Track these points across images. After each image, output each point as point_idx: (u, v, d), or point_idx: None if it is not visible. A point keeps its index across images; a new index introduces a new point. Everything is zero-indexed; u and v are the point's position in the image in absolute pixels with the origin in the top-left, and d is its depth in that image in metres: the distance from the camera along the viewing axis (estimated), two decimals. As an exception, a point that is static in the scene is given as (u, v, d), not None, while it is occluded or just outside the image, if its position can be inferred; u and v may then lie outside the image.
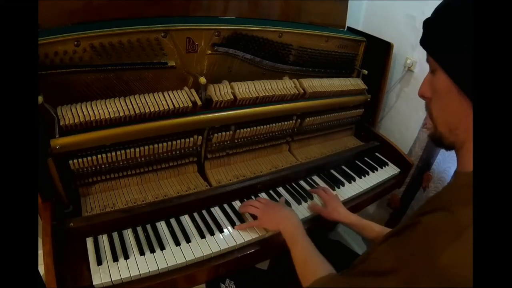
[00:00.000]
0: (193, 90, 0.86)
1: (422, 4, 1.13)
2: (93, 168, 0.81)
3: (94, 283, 0.66)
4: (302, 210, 0.95)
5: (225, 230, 0.84)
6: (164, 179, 0.95)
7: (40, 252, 0.63)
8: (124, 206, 0.83)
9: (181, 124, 0.84)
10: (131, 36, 0.77)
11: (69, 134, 0.72)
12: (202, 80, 0.84)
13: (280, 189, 1.02)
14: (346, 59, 1.23)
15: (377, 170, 1.20)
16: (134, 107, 0.77)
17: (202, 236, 0.81)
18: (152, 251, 0.75)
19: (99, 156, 0.79)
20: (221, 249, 0.78)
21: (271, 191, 1.01)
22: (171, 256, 0.75)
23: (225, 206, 0.92)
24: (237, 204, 0.93)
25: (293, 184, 1.05)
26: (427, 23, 0.52)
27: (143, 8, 0.83)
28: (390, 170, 1.21)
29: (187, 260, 0.75)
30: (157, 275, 0.72)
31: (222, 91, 0.90)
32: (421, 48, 0.54)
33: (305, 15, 1.13)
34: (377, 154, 1.29)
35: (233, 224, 0.86)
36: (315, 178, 1.11)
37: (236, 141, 1.01)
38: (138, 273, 0.70)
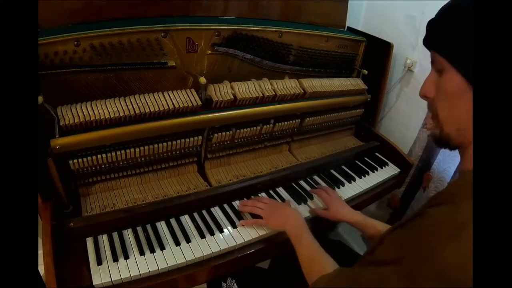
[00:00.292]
0: (193, 90, 0.86)
1: (422, 4, 1.13)
2: (93, 168, 0.81)
3: (94, 283, 0.66)
4: (302, 210, 0.95)
5: (225, 230, 0.84)
6: (164, 179, 0.95)
7: (40, 252, 0.63)
8: (124, 206, 0.83)
9: (181, 124, 0.84)
10: (131, 36, 0.77)
11: (69, 134, 0.72)
12: (202, 80, 0.84)
13: (280, 189, 1.02)
14: (346, 59, 1.23)
15: (377, 170, 1.20)
16: (134, 107, 0.77)
17: (202, 236, 0.81)
18: (152, 251, 0.75)
19: (99, 156, 0.79)
20: (221, 249, 0.78)
21: (271, 191, 1.01)
22: (171, 256, 0.75)
23: (225, 206, 0.92)
24: (237, 204, 0.93)
25: (293, 184, 1.05)
26: (434, 24, 0.51)
27: (143, 8, 0.83)
28: (390, 170, 1.21)
29: (187, 260, 0.75)
30: (157, 275, 0.72)
31: (222, 91, 0.90)
32: (421, 48, 0.53)
33: (305, 15, 1.13)
34: (377, 154, 1.29)
35: (233, 224, 0.86)
36: (315, 178, 1.11)
37: (236, 141, 1.01)
38: (138, 273, 0.70)
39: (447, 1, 0.50)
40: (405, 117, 1.35)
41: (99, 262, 0.70)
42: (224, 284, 0.89)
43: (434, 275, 0.40)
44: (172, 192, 0.91)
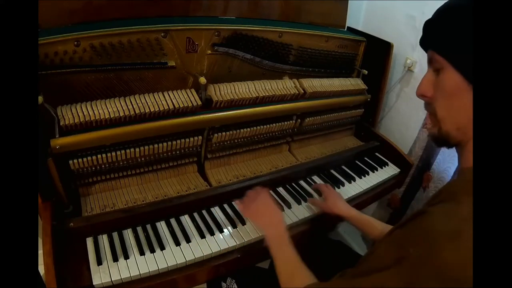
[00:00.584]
0: (193, 90, 0.86)
1: (422, 4, 1.13)
2: (93, 168, 0.81)
3: (94, 283, 0.66)
4: (302, 210, 0.95)
5: (225, 230, 0.84)
6: (164, 179, 0.95)
7: (40, 252, 0.63)
8: (124, 206, 0.83)
9: (181, 124, 0.84)
10: (131, 36, 0.77)
11: (69, 134, 0.72)
12: (202, 80, 0.84)
13: (280, 189, 1.02)
14: (346, 59, 1.23)
15: (377, 170, 1.20)
16: (134, 107, 0.77)
17: (202, 236, 0.81)
18: (152, 251, 0.75)
19: (99, 156, 0.79)
20: (221, 249, 0.78)
21: (271, 191, 1.00)
22: (171, 256, 0.75)
23: (225, 206, 0.92)
24: (237, 204, 0.93)
25: (293, 184, 1.05)
26: (432, 24, 0.51)
27: (143, 8, 0.83)
28: (390, 170, 1.21)
29: (187, 260, 0.75)
30: (157, 275, 0.72)
31: (222, 91, 0.90)
32: (421, 48, 0.53)
33: (305, 15, 1.13)
34: (377, 154, 1.29)
35: (233, 224, 0.86)
36: (315, 178, 1.11)
37: (236, 141, 1.01)
38: (138, 273, 0.70)
39: (445, 1, 0.50)
40: (405, 117, 1.35)
41: (99, 262, 0.70)
42: (224, 284, 0.89)
43: (434, 275, 0.40)
44: (172, 192, 0.91)
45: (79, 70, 0.74)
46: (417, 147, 1.28)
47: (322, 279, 0.60)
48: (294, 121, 1.08)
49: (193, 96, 0.85)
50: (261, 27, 0.96)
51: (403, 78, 1.32)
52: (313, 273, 0.65)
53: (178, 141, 0.88)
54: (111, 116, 0.75)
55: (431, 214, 0.44)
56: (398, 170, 1.22)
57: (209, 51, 0.90)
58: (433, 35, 0.51)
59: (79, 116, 0.72)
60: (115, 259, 0.71)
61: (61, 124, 0.70)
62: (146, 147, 0.84)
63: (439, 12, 0.51)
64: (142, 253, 0.74)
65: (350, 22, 1.28)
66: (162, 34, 0.81)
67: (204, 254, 0.77)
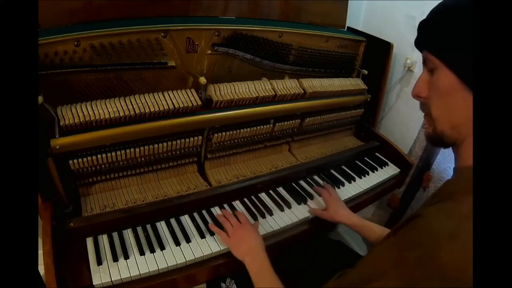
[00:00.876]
0: (193, 90, 0.86)
1: (422, 4, 1.13)
2: (93, 168, 0.81)
3: (94, 283, 0.66)
4: (302, 210, 0.95)
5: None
6: (164, 179, 0.95)
7: (40, 252, 0.63)
8: (124, 206, 0.83)
9: (181, 124, 0.84)
10: (131, 36, 0.77)
11: (69, 134, 0.72)
12: (202, 80, 0.84)
13: (280, 189, 1.02)
14: (346, 59, 1.23)
15: (377, 170, 1.20)
16: (134, 107, 0.77)
17: (202, 236, 0.81)
18: (152, 251, 0.75)
19: (99, 156, 0.79)
20: (221, 249, 0.78)
21: (271, 191, 1.01)
22: (171, 256, 0.75)
23: (225, 206, 0.92)
24: (237, 204, 0.94)
25: (293, 184, 1.05)
26: (425, 24, 0.52)
27: (143, 8, 0.83)
28: (390, 170, 1.21)
29: (187, 260, 0.75)
30: (157, 275, 0.72)
31: (222, 91, 0.90)
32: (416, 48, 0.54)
33: (305, 15, 1.13)
34: (377, 154, 1.29)
35: (233, 224, 0.86)
36: (315, 178, 1.11)
37: (236, 141, 1.01)
38: (138, 273, 0.70)
39: (440, 2, 0.51)
40: (405, 117, 1.35)
41: (99, 262, 0.70)
42: (223, 285, 0.89)
43: (434, 276, 0.39)
44: (172, 192, 0.91)
45: (79, 70, 0.74)
46: (417, 147, 1.28)
47: (321, 279, 0.60)
48: (294, 121, 1.08)
49: (193, 96, 0.85)
50: (261, 27, 0.96)
51: (403, 78, 1.32)
52: (313, 273, 0.65)
53: (178, 141, 0.88)
54: (111, 116, 0.75)
55: (427, 216, 0.44)
56: (398, 170, 1.22)
57: (209, 51, 0.90)
58: (427, 35, 0.52)
59: (79, 116, 0.72)
60: (115, 259, 0.71)
61: (61, 124, 0.70)
62: (146, 147, 0.84)
63: (433, 13, 0.51)
64: (142, 253, 0.74)
65: (350, 22, 1.28)
66: (162, 34, 0.81)
67: (204, 254, 0.77)
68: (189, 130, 0.88)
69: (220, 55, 0.92)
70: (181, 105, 0.82)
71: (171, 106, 0.81)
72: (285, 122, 1.06)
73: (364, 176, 1.15)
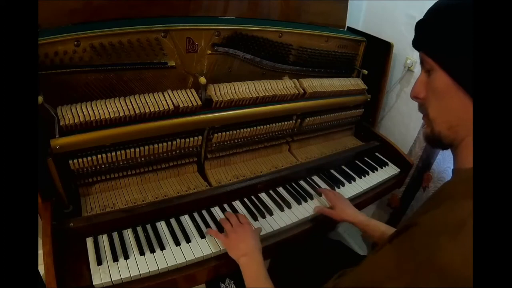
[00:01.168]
0: (193, 90, 0.86)
1: (422, 4, 1.13)
2: (93, 168, 0.81)
3: (94, 283, 0.66)
4: (302, 210, 0.95)
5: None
6: (164, 179, 0.95)
7: (40, 252, 0.63)
8: (124, 206, 0.83)
9: (181, 124, 0.84)
10: (131, 36, 0.77)
11: (69, 134, 0.72)
12: (202, 80, 0.84)
13: (280, 189, 1.02)
14: (346, 59, 1.23)
15: (377, 170, 1.20)
16: (134, 107, 0.77)
17: (202, 236, 0.81)
18: (152, 251, 0.75)
19: (99, 156, 0.79)
20: (221, 249, 0.78)
21: (271, 191, 1.01)
22: (171, 256, 0.75)
23: (225, 206, 0.92)
24: (237, 204, 0.94)
25: (293, 184, 1.05)
26: (421, 24, 0.52)
27: (143, 8, 0.83)
28: (390, 170, 1.21)
29: (187, 260, 0.75)
30: (157, 275, 0.72)
31: (222, 91, 0.90)
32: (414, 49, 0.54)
33: (305, 15, 1.13)
34: (377, 154, 1.29)
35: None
36: (315, 178, 1.11)
37: (236, 141, 1.01)
38: (138, 273, 0.70)
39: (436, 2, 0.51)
40: (405, 117, 1.35)
41: (99, 262, 0.70)
42: (222, 285, 0.89)
43: (435, 281, 0.39)
44: (172, 192, 0.91)
45: (79, 70, 0.74)
46: (417, 147, 1.28)
47: (321, 279, 0.60)
48: (294, 121, 1.08)
49: (193, 96, 0.85)
50: (261, 27, 0.96)
51: (403, 78, 1.32)
52: (312, 273, 0.65)
53: (178, 141, 0.88)
54: (111, 116, 0.75)
55: (424, 225, 0.44)
56: (398, 170, 1.22)
57: (209, 51, 0.90)
58: (422, 36, 0.52)
59: (79, 116, 0.72)
60: (115, 259, 0.71)
61: (61, 124, 0.70)
62: (146, 147, 0.84)
63: (428, 13, 0.51)
64: (142, 253, 0.74)
65: (350, 22, 1.28)
66: (162, 34, 0.81)
67: (204, 254, 0.77)
68: (189, 130, 0.88)
69: (220, 55, 0.92)
70: (181, 105, 0.82)
71: (171, 106, 0.81)
72: (285, 122, 1.06)
73: (364, 176, 1.15)
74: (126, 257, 0.72)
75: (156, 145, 0.85)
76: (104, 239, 0.76)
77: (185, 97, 0.84)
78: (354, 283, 0.49)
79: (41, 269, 0.60)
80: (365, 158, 1.25)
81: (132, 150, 0.82)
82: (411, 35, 0.54)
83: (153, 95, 0.81)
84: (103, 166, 0.82)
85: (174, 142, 0.87)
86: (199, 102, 0.84)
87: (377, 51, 1.22)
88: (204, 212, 0.88)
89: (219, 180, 0.99)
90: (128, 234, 0.78)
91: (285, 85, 1.02)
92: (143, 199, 0.86)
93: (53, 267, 0.62)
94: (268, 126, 1.02)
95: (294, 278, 0.85)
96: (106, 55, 0.76)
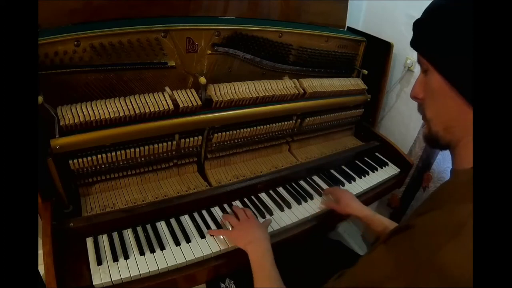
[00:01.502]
0: (193, 90, 0.86)
1: (422, 4, 1.13)
2: (93, 168, 0.81)
3: (94, 283, 0.66)
4: (302, 210, 0.95)
5: (225, 230, 0.84)
6: (164, 179, 0.95)
7: (40, 252, 0.63)
8: (124, 206, 0.83)
9: (181, 124, 0.84)
10: (131, 36, 0.77)
11: (69, 134, 0.72)
12: (202, 80, 0.84)
13: (280, 189, 1.02)
14: (346, 59, 1.23)
15: (377, 170, 1.20)
16: (134, 107, 0.77)
17: (202, 236, 0.81)
18: (152, 251, 0.75)
19: (99, 156, 0.79)
20: (221, 249, 0.78)
21: (271, 191, 1.01)
22: (171, 256, 0.75)
23: (225, 206, 0.92)
24: (237, 204, 0.94)
25: (293, 184, 1.05)
26: (417, 24, 0.52)
27: (143, 8, 0.83)
28: (390, 170, 1.21)
29: (187, 260, 0.75)
30: (157, 275, 0.72)
31: (222, 91, 0.90)
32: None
33: (305, 15, 1.13)
34: (377, 154, 1.29)
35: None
36: (315, 178, 1.11)
37: (236, 141, 1.01)
38: (138, 273, 0.70)
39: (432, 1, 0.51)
40: (405, 117, 1.35)
41: (99, 262, 0.70)
42: (222, 285, 0.89)
43: (435, 281, 0.39)
44: (172, 192, 0.91)
45: (79, 70, 0.74)
46: (417, 147, 1.28)
47: (321, 279, 0.60)
48: (294, 121, 1.08)
49: (193, 96, 0.85)
50: (261, 27, 0.96)
51: (403, 78, 1.32)
52: (312, 273, 0.65)
53: (178, 141, 0.88)
54: (111, 116, 0.75)
55: (422, 226, 0.44)
56: (398, 170, 1.22)
57: (209, 51, 0.90)
58: (418, 36, 0.52)
59: (79, 116, 0.72)
60: (115, 259, 0.71)
61: (61, 124, 0.70)
62: (146, 147, 0.84)
63: (423, 14, 0.52)
64: (142, 253, 0.74)
65: (350, 22, 1.28)
66: (162, 34, 0.81)
67: (204, 254, 0.77)
68: (189, 130, 0.88)
69: (220, 55, 0.92)
70: (181, 105, 0.82)
71: (171, 106, 0.81)
72: (285, 122, 1.06)
73: (364, 176, 1.15)
74: (126, 257, 0.72)
75: (156, 145, 0.85)
76: (104, 239, 0.76)
77: (185, 97, 0.84)
78: (353, 283, 0.49)
79: (41, 269, 0.60)
80: (365, 158, 1.25)
81: (132, 150, 0.82)
82: (411, 35, 0.54)
83: (153, 95, 0.81)
84: (103, 166, 0.82)
85: (174, 142, 0.87)
86: (199, 102, 0.84)
87: (377, 51, 1.22)
88: (204, 212, 0.88)
89: (219, 180, 0.99)
90: (128, 234, 0.78)
91: (285, 85, 1.02)
92: (143, 199, 0.86)
93: (53, 267, 0.62)
94: (268, 126, 1.02)
95: (294, 278, 0.85)
96: (106, 55, 0.76)
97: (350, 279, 0.50)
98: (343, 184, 1.09)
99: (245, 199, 0.95)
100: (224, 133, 0.95)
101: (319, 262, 0.92)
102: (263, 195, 0.99)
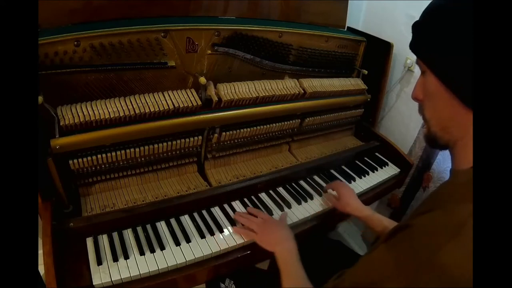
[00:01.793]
0: (193, 90, 0.86)
1: (422, 4, 1.13)
2: (93, 168, 0.81)
3: (94, 283, 0.66)
4: (302, 210, 0.95)
5: (225, 230, 0.84)
6: (164, 179, 0.95)
7: (40, 252, 0.63)
8: (124, 206, 0.83)
9: (181, 124, 0.84)
10: (131, 36, 0.77)
11: (69, 134, 0.72)
12: (202, 80, 0.84)
13: (280, 189, 1.02)
14: (346, 59, 1.23)
15: (377, 170, 1.20)
16: (134, 107, 0.77)
17: (202, 236, 0.81)
18: (152, 251, 0.75)
19: (99, 156, 0.79)
20: (221, 249, 0.78)
21: (271, 191, 1.01)
22: (171, 256, 0.75)
23: (225, 206, 0.92)
24: (237, 204, 0.94)
25: (293, 184, 1.05)
26: (415, 26, 0.53)
27: (143, 8, 0.83)
28: (390, 170, 1.21)
29: (187, 260, 0.75)
30: (157, 275, 0.72)
31: (222, 91, 0.90)
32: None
33: (305, 15, 1.13)
34: (377, 154, 1.29)
35: (233, 224, 0.86)
36: (315, 178, 1.11)
37: (236, 141, 1.01)
38: (138, 273, 0.70)
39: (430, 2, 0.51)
40: (405, 117, 1.35)
41: (99, 262, 0.70)
42: (222, 285, 0.89)
43: (435, 282, 0.39)
44: (172, 192, 0.91)
45: (79, 70, 0.74)
46: (417, 147, 1.28)
47: (321, 279, 0.60)
48: (294, 121, 1.08)
49: (193, 96, 0.85)
50: (261, 27, 0.96)
51: (403, 78, 1.32)
52: (312, 273, 0.66)
53: (178, 141, 0.88)
54: (111, 116, 0.75)
55: (422, 226, 0.44)
56: (398, 170, 1.22)
57: (209, 51, 0.90)
58: (416, 38, 0.53)
59: (79, 116, 0.72)
60: (115, 259, 0.71)
61: (61, 124, 0.70)
62: (146, 147, 0.84)
63: (421, 16, 0.52)
64: (142, 253, 0.74)
65: (350, 22, 1.28)
66: (162, 34, 0.81)
67: (204, 254, 0.77)
68: (189, 130, 0.88)
69: (220, 55, 0.92)
70: (181, 105, 0.82)
71: (171, 106, 0.81)
72: (285, 122, 1.06)
73: (364, 176, 1.15)
74: (126, 257, 0.72)
75: (156, 145, 0.85)
76: (104, 239, 0.76)
77: (185, 97, 0.84)
78: (353, 283, 0.49)
79: (41, 269, 0.60)
80: (365, 158, 1.25)
81: (132, 150, 0.82)
82: (411, 35, 0.54)
83: (153, 95, 0.81)
84: (103, 166, 0.82)
85: (174, 142, 0.87)
86: (199, 102, 0.84)
87: (377, 51, 1.22)
88: (204, 212, 0.88)
89: (219, 180, 0.99)
90: (128, 234, 0.78)
91: (285, 85, 1.02)
92: (143, 199, 0.86)
93: (53, 267, 0.62)
94: (268, 126, 1.02)
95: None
96: (106, 55, 0.76)
97: (350, 279, 0.50)
98: (343, 184, 1.09)
99: (245, 199, 0.95)
100: (224, 133, 0.95)
101: (319, 262, 0.92)
102: (263, 195, 0.99)
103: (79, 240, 0.74)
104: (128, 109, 0.77)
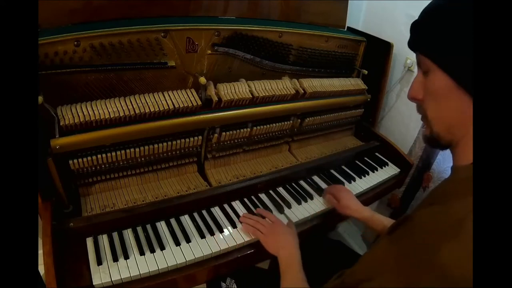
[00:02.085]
0: (193, 90, 0.86)
1: (422, 4, 1.13)
2: (93, 168, 0.81)
3: (94, 283, 0.66)
4: (302, 210, 0.95)
5: (225, 230, 0.84)
6: (164, 179, 0.95)
7: (40, 252, 0.63)
8: (124, 206, 0.83)
9: (181, 124, 0.84)
10: (131, 36, 0.77)
11: (69, 134, 0.72)
12: (202, 80, 0.84)
13: (280, 189, 1.02)
14: (346, 59, 1.23)
15: (377, 170, 1.20)
16: (134, 107, 0.77)
17: (202, 236, 0.81)
18: (152, 251, 0.75)
19: (99, 156, 0.79)
20: (221, 249, 0.78)
21: (271, 191, 1.01)
22: (171, 256, 0.75)
23: (225, 206, 0.92)
24: (237, 204, 0.94)
25: (293, 184, 1.05)
26: (417, 25, 0.52)
27: (143, 8, 0.83)
28: (390, 170, 1.21)
29: (187, 260, 0.75)
30: (157, 275, 0.72)
31: (222, 91, 0.90)
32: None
33: (305, 15, 1.13)
34: (377, 154, 1.29)
35: (233, 224, 0.86)
36: (315, 178, 1.11)
37: (236, 141, 1.01)
38: (138, 273, 0.70)
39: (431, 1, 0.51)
40: (405, 117, 1.35)
41: (99, 262, 0.70)
42: (223, 284, 0.89)
43: (435, 281, 0.39)
44: (172, 192, 0.91)
45: (79, 70, 0.74)
46: (417, 147, 1.28)
47: (321, 279, 0.60)
48: (294, 121, 1.08)
49: (193, 96, 0.85)
50: (261, 27, 0.96)
51: (403, 78, 1.32)
52: (312, 273, 0.66)
53: (178, 141, 0.88)
54: (111, 116, 0.75)
55: (421, 220, 0.44)
56: (398, 170, 1.22)
57: (209, 51, 0.90)
58: (419, 37, 0.52)
59: (79, 116, 0.72)
60: (115, 259, 0.71)
61: (61, 124, 0.70)
62: (146, 147, 0.84)
63: (424, 13, 0.51)
64: (142, 253, 0.74)
65: (350, 22, 1.28)
66: (162, 34, 0.81)
67: (204, 254, 0.77)
68: (189, 130, 0.88)
69: (220, 55, 0.92)
70: (181, 105, 0.82)
71: (171, 106, 0.81)
72: (285, 122, 1.06)
73: (364, 176, 1.15)
74: (126, 257, 0.72)
75: (156, 145, 0.85)
76: (104, 239, 0.76)
77: (185, 97, 0.84)
78: (353, 281, 0.49)
79: (41, 269, 0.60)
80: (365, 158, 1.25)
81: (132, 150, 0.82)
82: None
83: (153, 95, 0.81)
84: (103, 166, 0.82)
85: (174, 142, 0.87)
86: (199, 102, 0.84)
87: (377, 51, 1.22)
88: (204, 212, 0.88)
89: (219, 180, 0.99)
90: (128, 234, 0.78)
91: (285, 85, 1.02)
92: (143, 199, 0.86)
93: (53, 267, 0.62)
94: (268, 126, 1.02)
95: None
96: (106, 55, 0.76)
97: (350, 279, 0.50)
98: (343, 184, 1.09)
99: (245, 199, 0.95)
100: (224, 133, 0.95)
101: (319, 262, 0.92)
102: (263, 195, 0.99)
103: (79, 240, 0.74)
104: (128, 109, 0.77)
